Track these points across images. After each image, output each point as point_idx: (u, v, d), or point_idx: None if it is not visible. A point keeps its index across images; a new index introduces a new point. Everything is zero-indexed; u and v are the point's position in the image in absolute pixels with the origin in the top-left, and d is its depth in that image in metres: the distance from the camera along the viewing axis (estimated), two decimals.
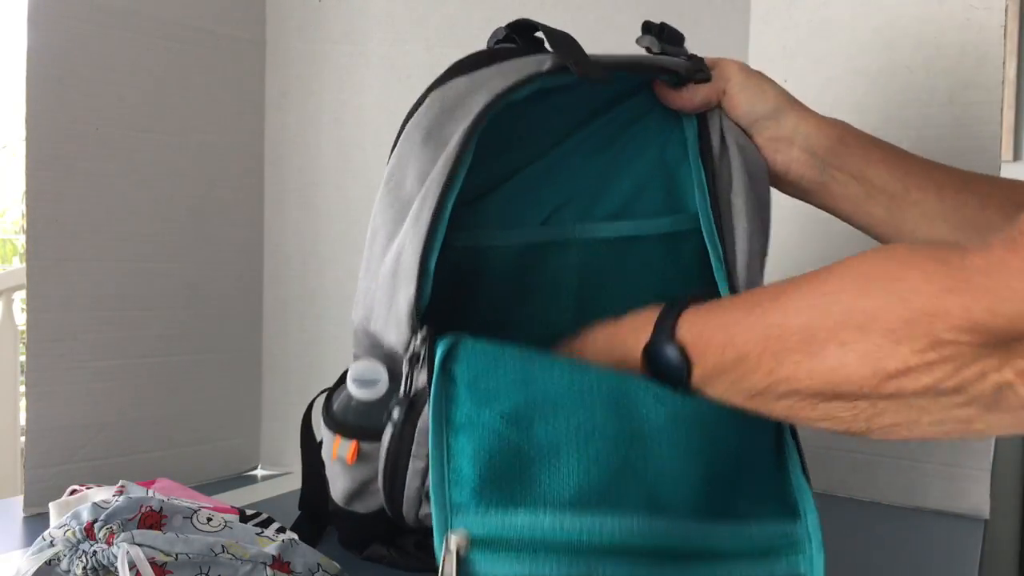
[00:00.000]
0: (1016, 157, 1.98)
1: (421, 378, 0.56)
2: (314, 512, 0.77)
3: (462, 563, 0.48)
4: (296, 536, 0.56)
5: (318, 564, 0.55)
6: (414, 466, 0.57)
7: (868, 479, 0.92)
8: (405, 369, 0.57)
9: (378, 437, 0.59)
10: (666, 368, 0.53)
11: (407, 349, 0.57)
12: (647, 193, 0.66)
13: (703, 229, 0.63)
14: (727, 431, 0.54)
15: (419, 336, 0.56)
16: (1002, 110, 0.87)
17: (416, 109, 0.64)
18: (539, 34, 0.64)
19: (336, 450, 0.62)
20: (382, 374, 0.59)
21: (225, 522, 0.54)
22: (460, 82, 0.62)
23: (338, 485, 0.65)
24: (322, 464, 0.67)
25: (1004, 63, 0.86)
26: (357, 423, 0.61)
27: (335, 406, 0.64)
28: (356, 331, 0.64)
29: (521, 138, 0.66)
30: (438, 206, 0.57)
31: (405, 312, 0.57)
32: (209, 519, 0.54)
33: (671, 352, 0.52)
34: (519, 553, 0.48)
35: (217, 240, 1.03)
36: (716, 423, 0.54)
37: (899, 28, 0.90)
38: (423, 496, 0.58)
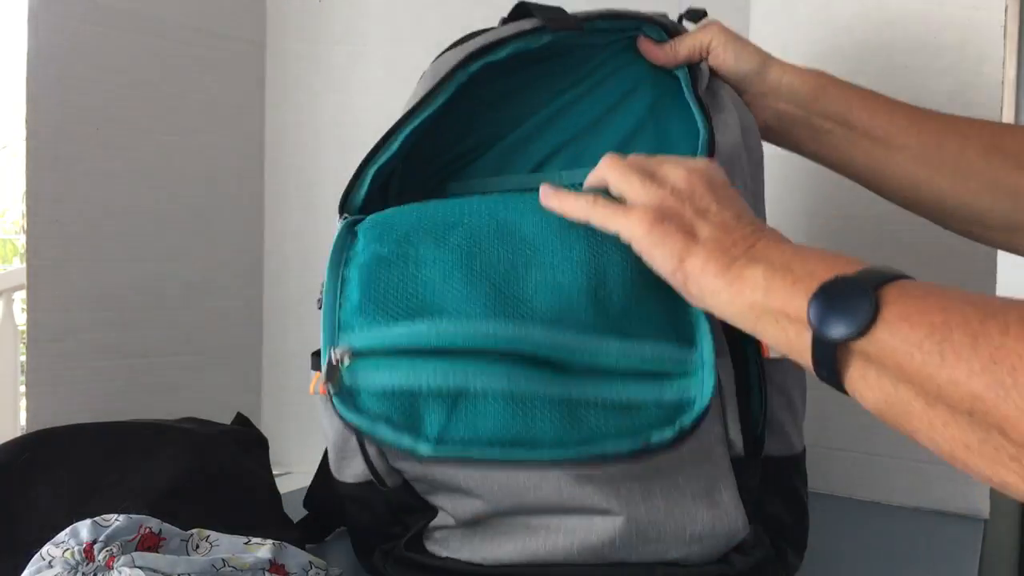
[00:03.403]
0: None
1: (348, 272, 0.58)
2: (323, 510, 0.77)
3: (346, 371, 0.52)
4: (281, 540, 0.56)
5: (310, 563, 0.55)
6: None
7: (868, 479, 0.92)
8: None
9: None
10: (841, 307, 0.43)
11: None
12: (637, 141, 0.68)
13: None
14: (620, 256, 0.54)
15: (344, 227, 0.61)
16: (1002, 110, 0.87)
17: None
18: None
19: (313, 385, 0.64)
20: None
21: (211, 544, 0.54)
22: (449, 53, 0.68)
23: (328, 439, 0.66)
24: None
25: (1004, 63, 0.86)
26: None
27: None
28: None
29: (512, 100, 0.69)
30: (393, 127, 0.62)
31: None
32: (198, 546, 0.53)
33: (860, 294, 0.43)
34: (398, 361, 0.52)
35: (217, 240, 1.03)
36: (606, 245, 0.54)
37: (899, 28, 0.90)
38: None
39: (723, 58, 0.69)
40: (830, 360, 0.44)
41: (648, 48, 0.68)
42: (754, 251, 0.49)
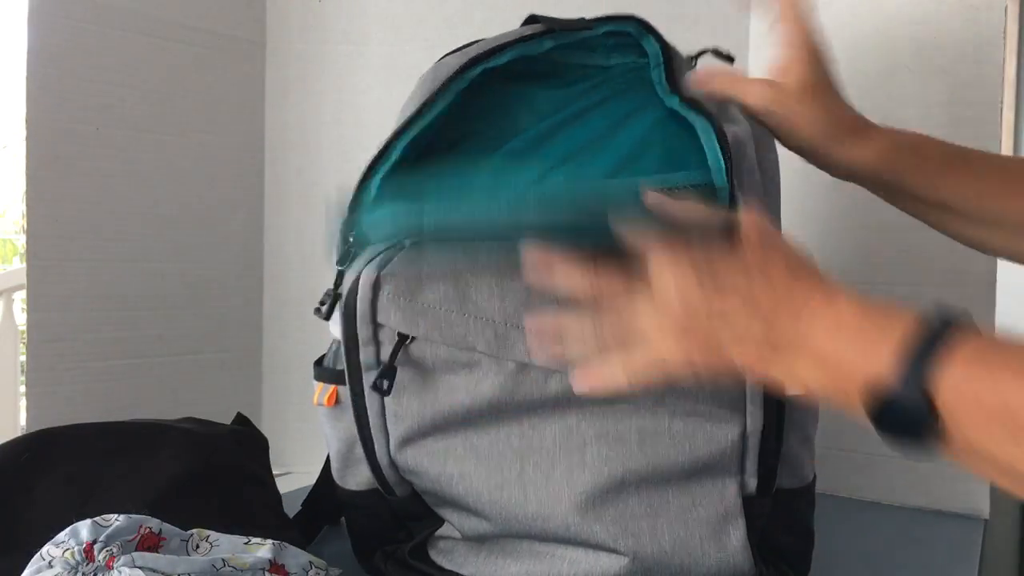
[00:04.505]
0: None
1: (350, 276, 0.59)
2: (317, 510, 0.77)
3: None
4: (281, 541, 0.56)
5: (310, 563, 0.55)
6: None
7: (868, 479, 0.92)
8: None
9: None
10: (898, 420, 0.40)
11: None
12: (647, 153, 0.66)
13: (715, 181, 0.60)
14: None
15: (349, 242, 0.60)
16: (1002, 110, 0.87)
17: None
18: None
19: (317, 396, 0.65)
20: None
21: (211, 544, 0.54)
22: (450, 58, 0.67)
23: (332, 447, 0.66)
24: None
25: (1004, 63, 0.86)
26: (334, 369, 0.64)
27: (324, 362, 0.66)
28: None
29: (513, 110, 0.67)
30: (394, 134, 0.60)
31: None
32: (198, 546, 0.53)
33: (910, 403, 0.39)
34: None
35: (217, 240, 1.03)
36: None
37: (899, 28, 0.90)
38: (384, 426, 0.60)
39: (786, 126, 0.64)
40: (923, 451, 0.41)
41: (712, 81, 0.64)
42: (783, 340, 0.45)
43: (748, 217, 0.48)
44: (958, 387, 0.38)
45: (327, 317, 0.61)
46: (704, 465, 0.57)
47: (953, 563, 0.75)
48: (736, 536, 0.57)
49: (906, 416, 0.40)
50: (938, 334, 0.40)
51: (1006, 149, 1.91)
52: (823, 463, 0.65)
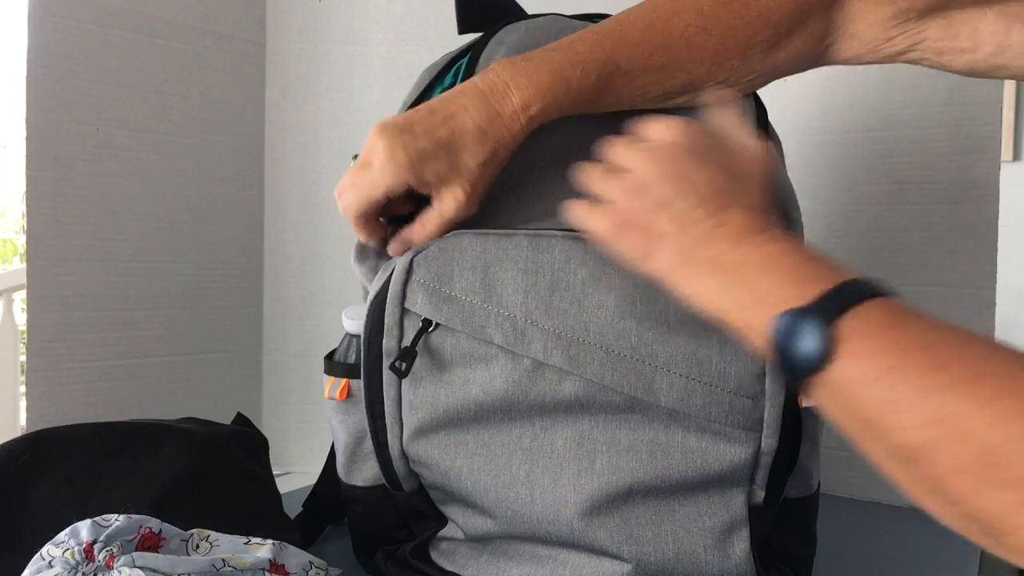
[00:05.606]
0: (1016, 157, 1.98)
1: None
2: (318, 510, 0.77)
3: None
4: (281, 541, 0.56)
5: (310, 563, 0.55)
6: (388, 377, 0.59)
7: (868, 479, 0.91)
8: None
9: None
10: (797, 343, 0.42)
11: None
12: None
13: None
14: None
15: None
16: (1002, 110, 0.87)
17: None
18: None
19: (328, 389, 0.65)
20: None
21: (211, 544, 0.54)
22: (448, 53, 0.68)
23: (339, 442, 0.66)
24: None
25: None
26: (346, 363, 0.65)
27: (336, 356, 0.67)
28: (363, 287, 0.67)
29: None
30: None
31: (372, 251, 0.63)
32: (198, 546, 0.53)
33: (815, 331, 0.42)
34: None
35: (217, 240, 1.03)
36: None
37: None
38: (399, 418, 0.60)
39: None
40: (796, 383, 0.44)
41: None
42: (715, 256, 0.48)
43: (763, 147, 0.53)
44: (862, 337, 0.41)
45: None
46: (714, 479, 0.57)
47: (953, 563, 0.75)
48: (740, 546, 0.57)
49: (806, 343, 0.41)
50: (865, 289, 0.42)
51: (1006, 149, 1.91)
52: (823, 463, 0.65)
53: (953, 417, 0.37)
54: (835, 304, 0.42)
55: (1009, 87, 1.90)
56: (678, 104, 0.61)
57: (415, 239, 0.60)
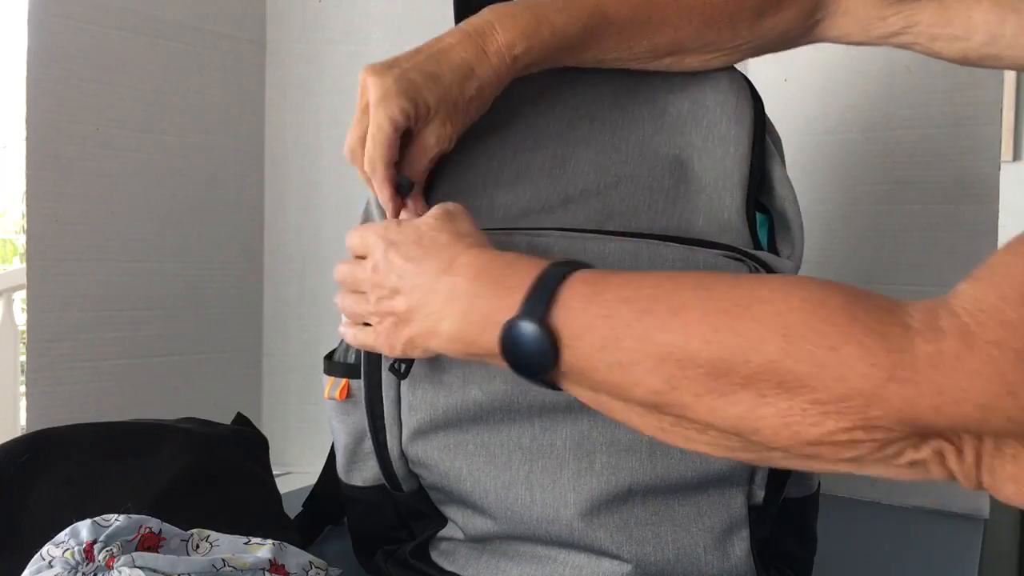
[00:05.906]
0: (1016, 157, 1.98)
1: None
2: (318, 510, 0.78)
3: None
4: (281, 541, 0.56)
5: (310, 563, 0.55)
6: (387, 379, 0.60)
7: (868, 479, 0.92)
8: None
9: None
10: (526, 352, 0.44)
11: None
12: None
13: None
14: None
15: None
16: (1002, 110, 0.87)
17: None
18: None
19: (328, 389, 0.65)
20: None
21: (211, 544, 0.54)
22: None
23: (339, 442, 0.66)
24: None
25: None
26: (346, 363, 0.65)
27: (335, 356, 0.67)
28: None
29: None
30: None
31: None
32: (198, 546, 0.53)
33: (534, 335, 0.44)
34: None
35: (217, 240, 1.03)
36: None
37: None
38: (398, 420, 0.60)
39: None
40: (545, 385, 0.46)
41: None
42: (441, 302, 0.49)
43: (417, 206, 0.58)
44: (574, 318, 0.43)
45: None
46: (713, 479, 0.57)
47: (953, 563, 0.75)
48: (740, 546, 0.57)
49: (532, 348, 0.44)
50: (559, 274, 0.45)
51: (1006, 149, 1.91)
52: None
53: (672, 352, 0.40)
54: (539, 301, 0.44)
55: (1009, 88, 1.90)
56: (664, 65, 0.62)
57: (412, 177, 0.60)
